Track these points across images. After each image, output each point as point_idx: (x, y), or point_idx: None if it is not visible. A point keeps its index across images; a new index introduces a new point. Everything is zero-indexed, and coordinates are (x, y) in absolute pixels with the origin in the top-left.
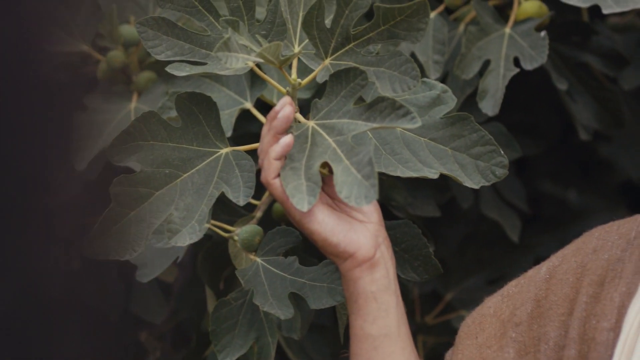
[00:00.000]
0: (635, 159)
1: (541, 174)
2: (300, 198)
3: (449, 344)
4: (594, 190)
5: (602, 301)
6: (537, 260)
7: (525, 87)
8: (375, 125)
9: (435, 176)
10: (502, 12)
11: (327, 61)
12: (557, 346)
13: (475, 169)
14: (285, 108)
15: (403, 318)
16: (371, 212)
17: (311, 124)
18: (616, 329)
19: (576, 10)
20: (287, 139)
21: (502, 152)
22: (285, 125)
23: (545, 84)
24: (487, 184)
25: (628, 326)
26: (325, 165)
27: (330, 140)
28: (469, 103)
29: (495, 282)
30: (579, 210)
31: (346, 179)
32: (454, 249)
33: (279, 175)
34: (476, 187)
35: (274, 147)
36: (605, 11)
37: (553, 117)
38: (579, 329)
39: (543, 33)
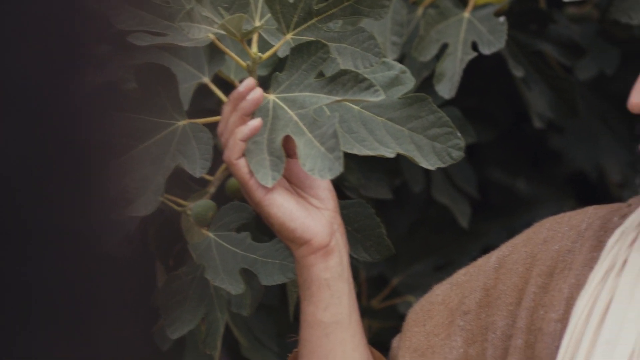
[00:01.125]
0: (586, 150)
1: (491, 162)
2: (264, 173)
3: (394, 328)
4: (543, 180)
5: (551, 292)
6: (486, 248)
7: (480, 72)
8: (337, 98)
9: (392, 155)
10: None
11: (289, 36)
12: (504, 335)
13: (431, 150)
14: (255, 90)
15: (354, 305)
16: (328, 199)
17: (272, 97)
18: (564, 320)
19: None
20: (256, 122)
21: (459, 134)
22: (254, 108)
23: (501, 70)
24: (443, 165)
25: (576, 317)
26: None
27: (292, 113)
28: (426, 86)
29: (443, 269)
30: (527, 200)
31: (309, 152)
32: (403, 233)
33: (243, 155)
34: (432, 168)
35: (241, 128)
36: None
37: (507, 104)
38: (527, 319)
39: (502, 19)
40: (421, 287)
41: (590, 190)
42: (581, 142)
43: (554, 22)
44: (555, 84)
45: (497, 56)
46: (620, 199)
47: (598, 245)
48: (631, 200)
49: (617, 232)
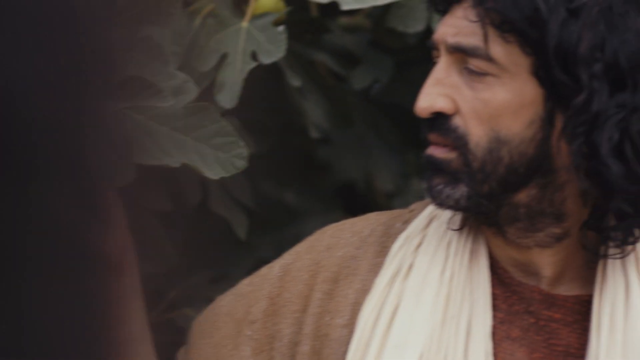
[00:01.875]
0: (357, 160)
1: (263, 173)
2: None
3: (173, 342)
4: (312, 192)
5: (336, 298)
6: (259, 260)
7: (258, 83)
8: (126, 104)
9: (177, 165)
10: (240, 6)
11: None
12: (291, 343)
13: (215, 160)
14: None
15: (145, 320)
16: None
17: None
18: (350, 325)
19: (307, 7)
20: None
21: (242, 143)
22: None
23: (278, 80)
24: (226, 174)
25: (363, 322)
26: None
27: None
28: (206, 95)
29: (219, 281)
30: (296, 212)
31: None
32: (179, 245)
33: None
34: (216, 177)
35: None
36: (344, 7)
37: (281, 115)
38: (313, 325)
39: (281, 28)
40: (198, 300)
41: (359, 201)
42: (351, 152)
43: (328, 31)
44: (331, 93)
45: (274, 66)
46: (389, 209)
47: (382, 251)
48: (413, 206)
49: (402, 237)
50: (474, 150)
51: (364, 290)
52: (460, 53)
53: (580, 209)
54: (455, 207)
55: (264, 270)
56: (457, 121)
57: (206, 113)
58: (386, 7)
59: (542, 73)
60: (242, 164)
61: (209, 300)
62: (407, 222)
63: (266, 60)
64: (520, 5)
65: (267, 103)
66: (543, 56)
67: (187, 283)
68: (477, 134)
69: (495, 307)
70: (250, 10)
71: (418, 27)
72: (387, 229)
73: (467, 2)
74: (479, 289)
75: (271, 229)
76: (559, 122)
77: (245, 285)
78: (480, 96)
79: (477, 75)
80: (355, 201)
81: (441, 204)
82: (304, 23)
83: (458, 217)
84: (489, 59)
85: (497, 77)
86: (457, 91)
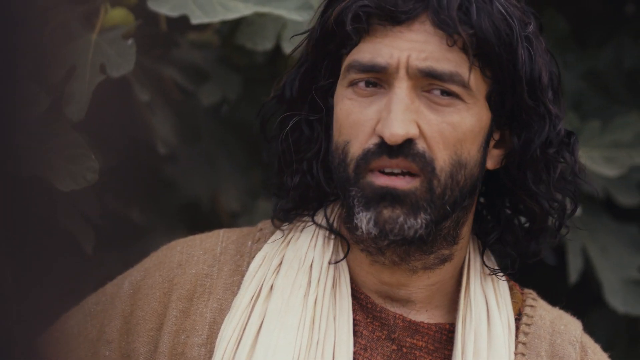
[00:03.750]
0: (203, 177)
1: (109, 188)
2: None
3: None
4: (157, 209)
5: (192, 316)
6: (107, 277)
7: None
8: None
9: (27, 175)
10: (90, 18)
11: None
12: None
13: (66, 172)
14: None
15: None
16: None
17: None
18: (208, 344)
19: (156, 22)
20: None
21: (93, 156)
22: None
23: (126, 95)
24: (77, 187)
25: (225, 342)
26: None
27: None
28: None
29: (66, 296)
30: (142, 228)
31: None
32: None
33: None
34: (66, 190)
35: None
36: (194, 21)
37: (129, 129)
38: (169, 344)
39: (130, 41)
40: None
41: (203, 219)
42: (198, 169)
43: (177, 46)
44: (180, 109)
45: (124, 80)
46: (234, 227)
47: (237, 270)
48: (262, 224)
49: (259, 257)
50: (439, 175)
51: (221, 310)
52: (429, 78)
53: (469, 232)
54: (412, 237)
55: (110, 288)
56: (421, 146)
57: (58, 125)
58: (236, 24)
59: (494, 98)
60: (93, 177)
61: (55, 315)
62: (259, 241)
63: (115, 73)
64: (498, 30)
65: (115, 117)
66: (501, 81)
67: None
68: (442, 158)
69: (357, 334)
70: (99, 23)
71: (267, 45)
72: (239, 247)
73: (425, 23)
74: (342, 315)
75: (117, 245)
76: (491, 145)
77: (92, 304)
78: (447, 120)
79: (444, 99)
80: (199, 219)
81: (396, 235)
82: (153, 37)
83: (323, 239)
84: (465, 85)
85: (465, 102)
86: (420, 116)
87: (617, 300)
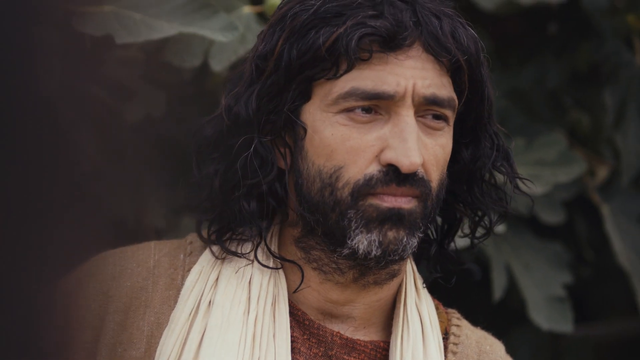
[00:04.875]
0: (128, 195)
1: None
2: None
3: None
4: (84, 227)
5: (129, 329)
6: None
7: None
8: None
9: None
10: None
11: None
12: None
13: None
14: None
15: None
16: None
17: None
18: (146, 358)
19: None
20: None
21: None
22: None
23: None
24: None
25: (165, 357)
26: None
27: None
28: None
29: None
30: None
31: None
32: None
33: None
34: None
35: None
36: (118, 41)
37: (53, 147)
38: (107, 357)
39: (55, 59)
40: None
41: (129, 235)
42: (122, 187)
43: (103, 64)
44: (105, 126)
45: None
46: None
47: (172, 284)
48: (191, 237)
49: (195, 271)
50: (432, 195)
51: (159, 324)
52: (430, 104)
53: None
54: (406, 256)
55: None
56: (421, 171)
57: None
58: (162, 42)
59: (458, 116)
60: None
61: None
62: (191, 255)
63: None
64: (477, 53)
65: (38, 134)
66: (472, 101)
67: None
68: (435, 179)
69: (295, 350)
70: None
71: (195, 62)
72: (172, 260)
73: (419, 49)
74: (281, 332)
75: None
76: None
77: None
78: (439, 143)
79: (438, 123)
80: (124, 236)
81: (397, 256)
82: (78, 55)
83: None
84: (455, 108)
85: (449, 125)
86: (420, 142)
87: (541, 317)
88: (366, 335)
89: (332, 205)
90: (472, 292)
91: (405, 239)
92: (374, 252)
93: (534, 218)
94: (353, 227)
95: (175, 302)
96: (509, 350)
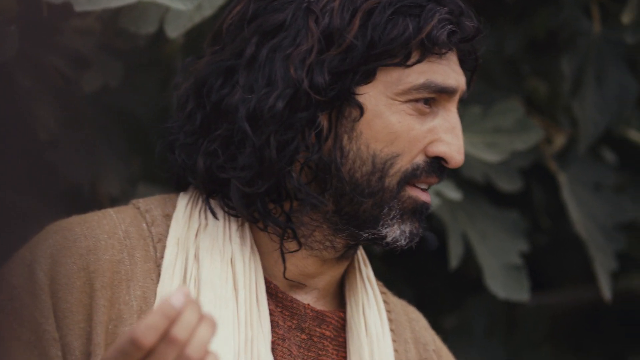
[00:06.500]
0: (83, 163)
1: None
2: None
3: None
4: (38, 194)
5: (117, 305)
6: None
7: None
8: None
9: None
10: None
11: None
12: (83, 355)
13: None
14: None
15: None
16: None
17: None
18: None
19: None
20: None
21: None
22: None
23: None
24: None
25: None
26: None
27: None
28: None
29: None
30: (22, 215)
31: None
32: None
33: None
34: None
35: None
36: (77, 9)
37: (10, 115)
38: (103, 335)
39: (12, 27)
40: None
41: (83, 203)
42: (79, 155)
43: (60, 33)
44: (62, 95)
45: (3, 65)
46: None
47: (147, 256)
48: (143, 205)
49: (172, 244)
50: None
51: (145, 298)
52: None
53: None
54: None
55: (17, 279)
56: None
57: None
58: (118, 9)
59: None
60: None
61: None
62: (154, 225)
63: None
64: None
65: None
66: None
67: None
68: None
69: (273, 324)
70: None
71: (150, 28)
72: (138, 230)
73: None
74: (263, 307)
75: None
76: None
77: (6, 301)
78: None
79: None
80: (79, 204)
81: (414, 244)
82: (35, 23)
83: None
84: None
85: None
86: None
87: (498, 285)
88: (324, 305)
89: (376, 190)
90: (428, 261)
91: (421, 231)
92: (400, 242)
93: (491, 186)
94: (391, 216)
95: (157, 275)
96: (465, 319)
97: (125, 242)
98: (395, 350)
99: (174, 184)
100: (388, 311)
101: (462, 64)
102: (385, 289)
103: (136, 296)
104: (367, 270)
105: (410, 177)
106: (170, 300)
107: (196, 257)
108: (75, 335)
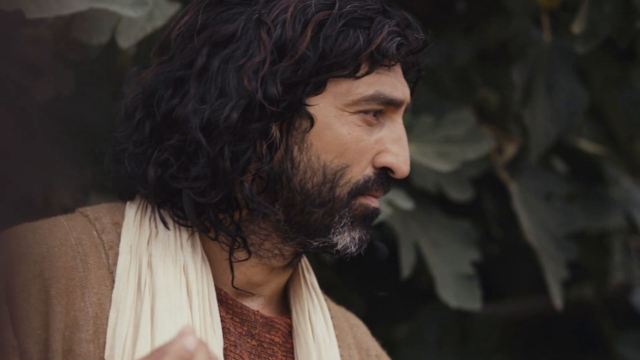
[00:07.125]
0: (36, 173)
1: None
2: None
3: None
4: None
5: (72, 312)
6: None
7: None
8: None
9: None
10: None
11: None
12: None
13: None
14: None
15: None
16: None
17: None
18: (95, 341)
19: None
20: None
21: None
22: None
23: None
24: None
25: (121, 342)
26: None
27: None
28: None
29: None
30: None
31: None
32: None
33: None
34: None
35: None
36: (29, 16)
37: None
38: (60, 341)
39: None
40: None
41: (36, 213)
42: (31, 165)
43: (12, 41)
44: (13, 105)
45: None
46: None
47: (100, 262)
48: (92, 214)
49: (124, 251)
50: None
51: (100, 304)
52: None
53: None
54: None
55: None
56: None
57: None
58: (70, 18)
59: None
60: None
61: None
62: (104, 232)
63: None
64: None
65: None
66: None
67: None
68: None
69: (225, 330)
70: None
71: (102, 38)
72: (89, 237)
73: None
74: (215, 314)
75: None
76: None
77: None
78: None
79: None
80: (32, 214)
81: (361, 251)
82: None
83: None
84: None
85: None
86: None
87: (449, 294)
88: (271, 312)
89: (327, 200)
90: (379, 270)
91: (369, 237)
92: (350, 249)
93: (442, 195)
94: (342, 224)
95: (111, 282)
96: (417, 328)
97: (78, 249)
98: (341, 356)
99: (120, 193)
100: (331, 317)
101: (405, 75)
102: (325, 296)
103: (91, 302)
104: (310, 277)
105: (362, 190)
106: (184, 343)
107: (149, 264)
108: (32, 342)
